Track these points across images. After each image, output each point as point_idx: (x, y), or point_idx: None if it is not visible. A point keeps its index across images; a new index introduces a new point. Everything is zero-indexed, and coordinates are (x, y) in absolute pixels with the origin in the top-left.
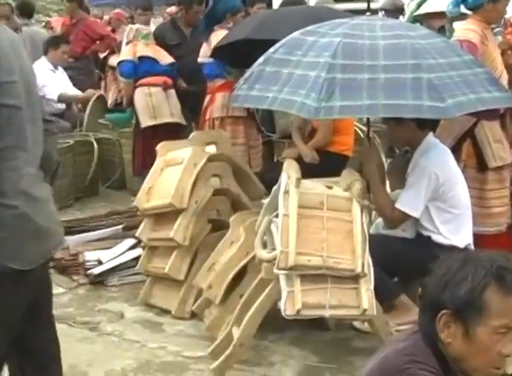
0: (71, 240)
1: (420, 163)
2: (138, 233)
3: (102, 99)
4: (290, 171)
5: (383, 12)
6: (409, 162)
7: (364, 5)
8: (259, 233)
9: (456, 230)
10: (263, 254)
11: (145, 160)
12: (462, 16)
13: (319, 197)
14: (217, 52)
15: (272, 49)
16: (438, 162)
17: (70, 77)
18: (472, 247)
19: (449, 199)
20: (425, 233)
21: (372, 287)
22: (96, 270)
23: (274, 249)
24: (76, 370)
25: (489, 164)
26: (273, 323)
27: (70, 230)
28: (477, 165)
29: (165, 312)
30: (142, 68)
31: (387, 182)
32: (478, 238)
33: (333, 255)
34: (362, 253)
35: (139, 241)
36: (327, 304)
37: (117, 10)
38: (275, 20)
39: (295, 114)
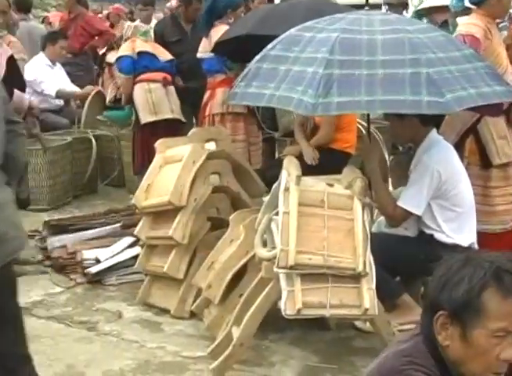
0: (69, 238)
1: (422, 160)
2: (136, 231)
3: (100, 96)
4: (290, 168)
5: (386, 7)
6: (412, 159)
7: None
8: (259, 231)
9: (459, 229)
10: (263, 252)
11: (144, 159)
12: (466, 11)
13: (319, 194)
14: (218, 47)
15: (269, 46)
16: (440, 159)
17: (68, 73)
18: (476, 246)
19: (452, 197)
20: (427, 231)
21: (373, 286)
22: (94, 269)
23: (274, 248)
24: (73, 370)
25: (493, 161)
26: (273, 323)
27: (68, 228)
28: (481, 162)
29: (164, 311)
30: (141, 64)
31: (390, 180)
32: (482, 237)
33: (334, 254)
34: (364, 252)
35: (138, 240)
36: (328, 303)
37: (116, 5)
38: (276, 15)
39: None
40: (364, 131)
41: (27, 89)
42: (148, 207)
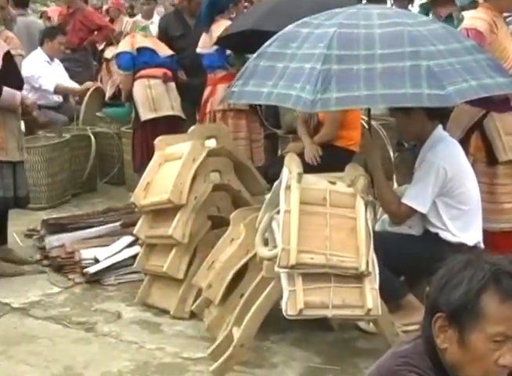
0: (67, 237)
1: (427, 157)
2: (135, 230)
3: (99, 92)
4: (291, 165)
5: (392, 1)
6: (418, 156)
7: None
8: (260, 230)
9: (464, 227)
10: (264, 251)
11: (143, 156)
12: (473, 4)
13: (321, 192)
14: (221, 41)
15: (266, 43)
16: (446, 156)
17: (67, 69)
18: (482, 245)
19: (458, 195)
20: (432, 229)
21: (377, 286)
22: (93, 269)
23: (275, 247)
24: (71, 372)
25: (499, 158)
26: (275, 324)
27: (66, 227)
28: (487, 159)
29: (164, 312)
30: (140, 59)
31: (395, 177)
32: (489, 235)
33: (337, 253)
34: (367, 251)
35: (137, 239)
36: (330, 303)
37: None
38: (281, 10)
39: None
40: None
41: (25, 86)
42: (147, 206)
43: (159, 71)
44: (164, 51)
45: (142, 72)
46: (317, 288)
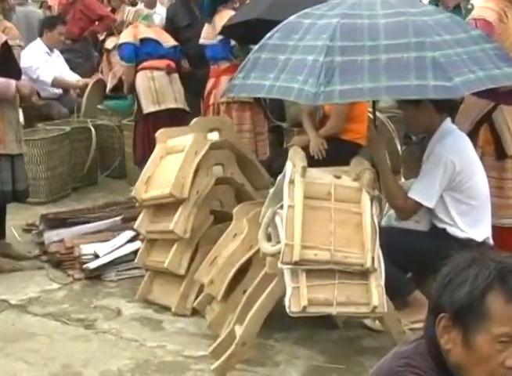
0: (67, 232)
1: (435, 150)
2: (136, 225)
3: (101, 84)
4: (295, 159)
5: None
6: (426, 149)
7: None
8: (263, 225)
9: (473, 223)
10: (267, 247)
11: (144, 150)
12: None
13: (326, 187)
14: (225, 31)
15: (267, 35)
16: (454, 149)
17: (67, 60)
18: (491, 240)
19: (467, 189)
20: (440, 225)
21: (382, 282)
22: (93, 264)
23: (278, 242)
24: (69, 370)
25: (508, 152)
26: (278, 321)
27: (66, 222)
28: (496, 152)
29: (165, 308)
30: (144, 51)
31: (402, 171)
32: (498, 231)
33: (341, 249)
34: (372, 246)
35: (138, 234)
36: (335, 301)
37: None
38: None
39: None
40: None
41: (23, 77)
42: (148, 200)
43: (162, 63)
44: (168, 41)
45: (145, 63)
46: (321, 285)
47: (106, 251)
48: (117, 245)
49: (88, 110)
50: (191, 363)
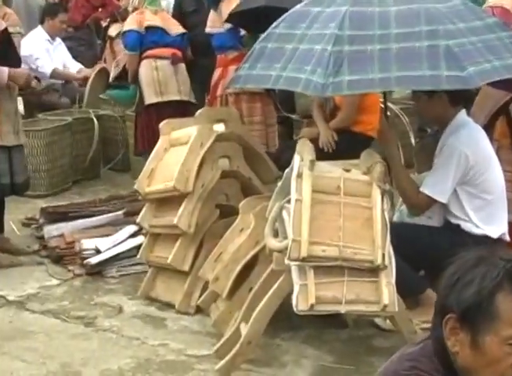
0: (67, 226)
1: (449, 142)
2: (139, 219)
3: (104, 73)
4: (303, 152)
5: None
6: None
7: None
8: (270, 220)
9: (488, 218)
10: (274, 243)
11: (144, 144)
12: None
13: (335, 180)
14: (232, 18)
15: (274, 24)
16: (468, 142)
17: (69, 49)
18: (507, 237)
19: (481, 183)
20: (454, 220)
21: (393, 280)
22: (94, 260)
23: (286, 238)
24: (68, 369)
25: None
26: (285, 320)
27: (66, 216)
28: None
29: (168, 306)
30: (149, 39)
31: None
32: None
33: (351, 245)
34: (383, 243)
35: (141, 228)
36: (343, 299)
37: None
38: None
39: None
40: (388, 113)
41: (23, 65)
42: (151, 194)
43: (167, 51)
44: (175, 28)
45: (150, 52)
46: (330, 282)
47: (107, 246)
48: (119, 240)
49: (91, 100)
50: (194, 362)
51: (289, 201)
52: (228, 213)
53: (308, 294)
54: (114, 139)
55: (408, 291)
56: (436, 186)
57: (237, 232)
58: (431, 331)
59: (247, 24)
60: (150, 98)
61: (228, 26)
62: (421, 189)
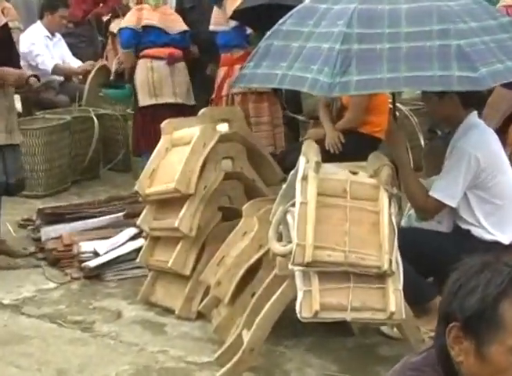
0: (65, 228)
1: (458, 145)
2: (139, 221)
3: (105, 70)
4: (309, 153)
5: None
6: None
7: None
8: (273, 223)
9: (499, 224)
10: (277, 247)
11: (139, 146)
12: None
13: (341, 183)
14: (236, 15)
15: (280, 21)
16: (479, 144)
17: (69, 45)
18: None
19: (493, 187)
20: (464, 225)
21: (401, 287)
22: (92, 263)
23: (290, 242)
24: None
25: None
26: (289, 327)
27: (64, 217)
28: None
29: (168, 311)
30: (146, 38)
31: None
32: None
33: (357, 250)
34: (390, 248)
35: (141, 231)
36: (349, 305)
37: None
38: None
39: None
40: (397, 114)
41: (21, 62)
42: (152, 195)
43: (164, 51)
44: (175, 26)
45: (147, 51)
46: (335, 288)
47: (106, 248)
48: (119, 243)
49: (91, 99)
50: (194, 369)
51: (293, 204)
52: (231, 216)
53: (312, 301)
54: (115, 138)
55: (416, 298)
56: (446, 189)
57: (240, 235)
58: (435, 340)
59: (251, 21)
60: (144, 100)
61: (233, 24)
62: (430, 192)
